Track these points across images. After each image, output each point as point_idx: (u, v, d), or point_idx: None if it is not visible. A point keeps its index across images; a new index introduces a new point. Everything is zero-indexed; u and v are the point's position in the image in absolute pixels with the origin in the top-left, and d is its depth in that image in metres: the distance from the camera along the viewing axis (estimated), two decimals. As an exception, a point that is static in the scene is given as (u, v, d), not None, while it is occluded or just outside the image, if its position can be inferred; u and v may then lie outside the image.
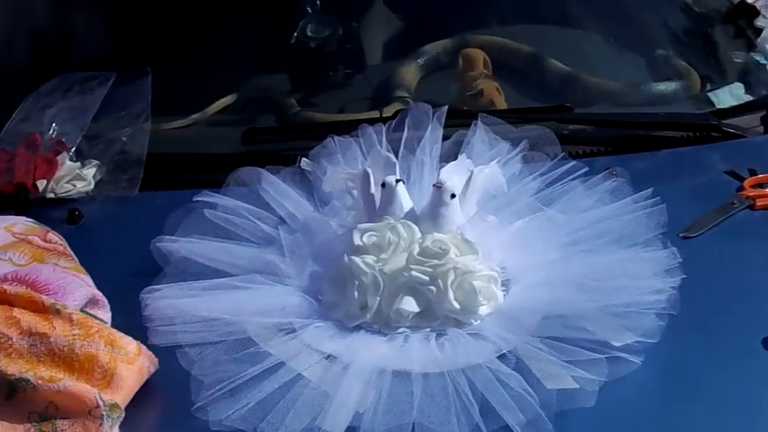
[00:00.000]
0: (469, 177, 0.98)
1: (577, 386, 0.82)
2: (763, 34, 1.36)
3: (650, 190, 1.00)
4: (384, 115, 1.23)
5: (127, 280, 0.96)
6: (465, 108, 1.24)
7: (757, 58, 1.34)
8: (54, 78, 1.26)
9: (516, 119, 1.15)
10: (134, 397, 0.86)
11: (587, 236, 0.96)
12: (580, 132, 1.21)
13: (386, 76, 1.37)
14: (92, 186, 1.17)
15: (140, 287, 0.94)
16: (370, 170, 0.99)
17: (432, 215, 0.95)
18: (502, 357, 0.85)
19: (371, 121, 1.12)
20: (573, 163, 1.05)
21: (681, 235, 1.02)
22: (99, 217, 1.13)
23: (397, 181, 0.97)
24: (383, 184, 0.97)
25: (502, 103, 1.29)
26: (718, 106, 1.28)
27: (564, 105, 1.24)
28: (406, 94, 1.33)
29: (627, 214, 0.98)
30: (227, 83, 1.36)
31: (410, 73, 1.37)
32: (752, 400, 0.84)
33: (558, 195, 1.02)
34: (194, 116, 1.32)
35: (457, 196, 0.96)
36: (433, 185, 0.96)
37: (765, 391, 0.85)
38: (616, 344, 0.86)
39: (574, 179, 1.03)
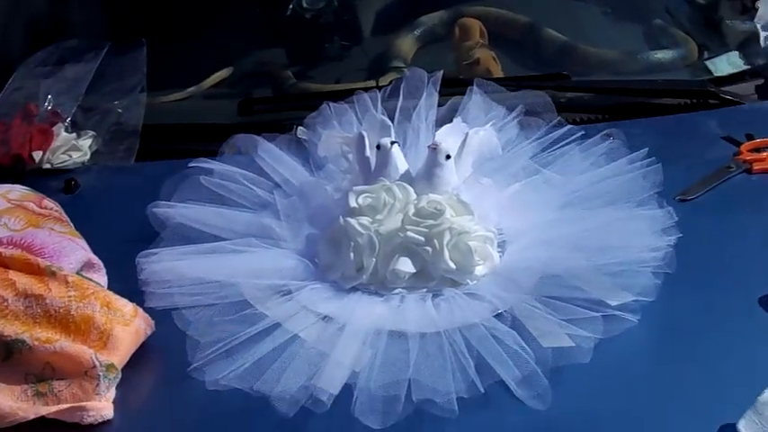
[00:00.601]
0: (464, 139, 0.98)
1: (573, 344, 0.83)
2: (760, 3, 1.35)
3: (645, 150, 1.00)
4: (381, 84, 1.23)
5: (123, 246, 0.96)
6: (461, 77, 1.24)
7: (754, 27, 1.33)
8: (47, 47, 1.27)
9: (513, 86, 1.15)
10: (131, 358, 0.86)
11: (583, 197, 0.97)
12: (577, 100, 1.21)
13: (382, 48, 1.37)
14: (88, 157, 1.17)
15: (137, 252, 0.94)
16: (365, 133, 0.99)
17: (427, 176, 0.95)
18: (498, 317, 0.86)
19: (368, 89, 1.12)
20: (569, 127, 1.06)
21: (678, 198, 1.02)
22: (95, 186, 1.14)
23: (393, 143, 0.97)
24: (378, 147, 0.97)
25: (498, 72, 1.29)
26: (715, 74, 1.28)
27: (561, 73, 1.24)
28: (403, 65, 1.33)
29: (623, 175, 0.98)
30: (222, 56, 1.36)
31: (406, 44, 1.37)
32: (748, 360, 0.84)
33: (555, 158, 1.02)
34: (190, 89, 1.32)
35: (452, 158, 0.96)
36: (428, 147, 0.96)
37: (762, 350, 0.85)
38: (612, 303, 0.86)
39: (570, 143, 1.03)
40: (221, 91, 1.34)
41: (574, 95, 1.22)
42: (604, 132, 1.05)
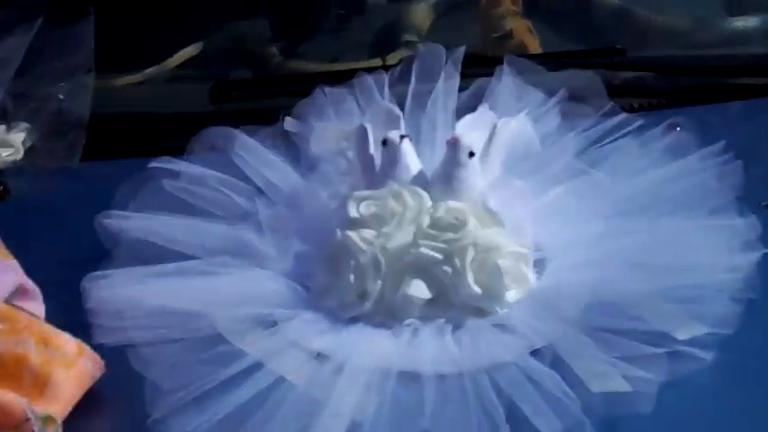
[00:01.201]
0: (492, 132, 0.99)
1: (631, 389, 0.83)
2: None
3: (722, 143, 1.01)
4: (387, 63, 1.26)
5: (65, 267, 0.98)
6: (489, 54, 1.26)
7: None
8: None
9: (554, 64, 1.17)
10: (74, 408, 0.87)
11: (642, 203, 0.98)
12: (635, 81, 1.23)
13: (390, 18, 1.39)
14: (20, 155, 1.19)
15: (82, 275, 0.96)
16: (368, 125, 1.00)
17: (445, 179, 0.96)
18: (535, 354, 0.87)
19: (371, 71, 1.14)
20: (624, 116, 1.07)
21: (764, 204, 1.03)
22: (30, 192, 1.16)
23: (402, 137, 0.98)
24: (384, 142, 0.98)
25: (535, 47, 1.30)
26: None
27: (614, 48, 1.26)
28: (416, 39, 1.35)
29: (692, 175, 0.99)
30: (191, 28, 1.38)
31: (420, 13, 1.39)
32: None
33: (606, 155, 1.03)
34: (150, 70, 1.34)
35: (477, 155, 0.97)
36: (447, 142, 0.97)
37: None
38: (679, 336, 0.87)
39: (625, 135, 1.05)
40: (189, 72, 1.36)
41: (631, 75, 1.24)
42: (669, 122, 1.06)
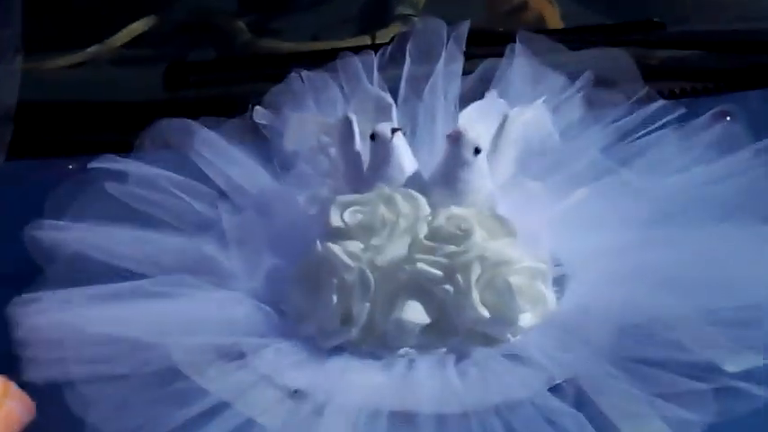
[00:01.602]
0: (502, 124, 0.98)
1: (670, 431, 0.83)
2: None
3: (781, 136, 1.02)
4: (378, 42, 1.25)
5: (-12, 288, 0.97)
6: (499, 29, 1.26)
7: None
8: None
9: (576, 42, 1.16)
10: (1, 458, 0.87)
11: (683, 208, 0.97)
12: (676, 61, 1.23)
13: (380, -12, 1.39)
14: (-67, 152, 1.19)
15: (9, 298, 0.95)
16: (353, 116, 1.00)
17: (446, 180, 0.96)
18: (555, 390, 0.86)
19: (359, 51, 1.13)
20: (662, 103, 1.07)
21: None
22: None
23: (394, 130, 0.98)
24: (373, 137, 0.98)
25: (556, 20, 1.30)
26: None
27: (651, 20, 1.26)
28: (412, 12, 1.35)
29: (743, 174, 0.99)
30: (141, 0, 1.38)
31: (417, -19, 1.39)
32: None
33: (639, 150, 1.03)
34: (92, 49, 1.34)
35: (483, 152, 0.96)
36: (448, 136, 0.97)
37: None
38: (729, 368, 0.86)
39: (663, 126, 1.05)
40: (139, 52, 1.36)
41: (670, 54, 1.24)
42: (717, 110, 1.06)
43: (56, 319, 0.93)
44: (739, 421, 0.84)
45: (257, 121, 1.10)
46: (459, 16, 1.14)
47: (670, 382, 0.85)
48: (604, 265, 0.95)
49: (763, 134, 1.03)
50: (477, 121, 0.99)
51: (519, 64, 1.09)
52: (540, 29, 1.23)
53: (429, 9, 1.37)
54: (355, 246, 0.93)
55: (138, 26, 1.37)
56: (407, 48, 1.11)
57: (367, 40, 1.29)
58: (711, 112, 1.06)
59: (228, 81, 1.26)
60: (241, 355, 0.90)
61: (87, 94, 1.26)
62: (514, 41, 1.11)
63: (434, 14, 1.17)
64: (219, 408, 0.86)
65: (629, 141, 1.04)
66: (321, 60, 1.13)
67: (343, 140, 1.00)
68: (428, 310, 0.92)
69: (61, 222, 1.00)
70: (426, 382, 0.88)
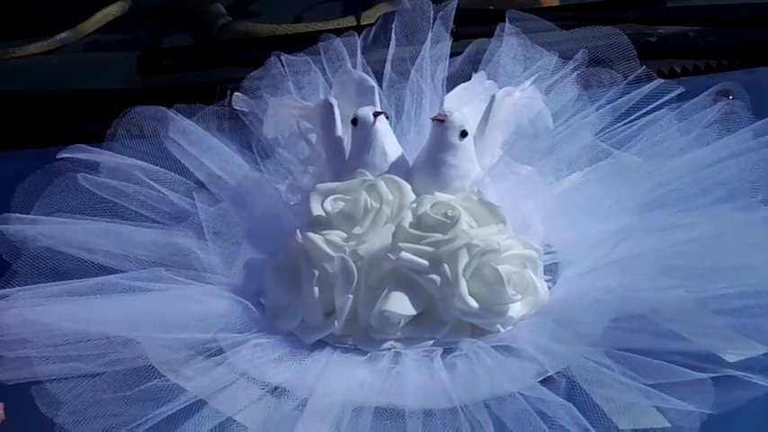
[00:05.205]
0: (490, 105, 0.99)
1: (668, 424, 0.84)
2: None
3: (785, 115, 1.02)
4: (363, 23, 1.26)
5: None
6: (490, 6, 1.27)
7: None
8: None
9: (570, 19, 1.18)
10: (-32, 461, 0.88)
11: (681, 192, 0.98)
12: (674, 38, 1.24)
13: (367, -34, 1.39)
14: None
15: (-26, 295, 0.96)
16: (334, 101, 1.00)
17: (432, 165, 0.97)
18: (546, 382, 0.87)
19: (342, 32, 1.14)
20: (660, 82, 1.08)
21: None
22: None
23: (377, 114, 0.99)
24: (354, 121, 0.99)
25: (551, -1, 1.31)
26: None
27: (650, -6, 1.27)
28: (398, -8, 1.36)
29: (745, 156, 1.00)
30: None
31: (405, -41, 1.39)
32: None
33: (636, 132, 1.04)
34: (63, 35, 1.34)
35: (471, 135, 0.97)
36: (433, 119, 0.97)
37: None
38: (729, 358, 0.87)
39: (661, 106, 1.05)
40: (112, 37, 1.37)
41: (670, 31, 1.25)
42: (718, 89, 1.07)
43: (24, 316, 0.93)
44: (739, 411, 0.85)
45: (235, 107, 1.11)
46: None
47: (667, 372, 0.86)
48: (598, 252, 0.95)
49: (765, 113, 1.04)
50: (464, 103, 1.00)
51: (509, 44, 1.10)
52: (531, 7, 1.23)
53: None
54: (337, 235, 0.94)
55: (111, 10, 1.38)
56: (392, 28, 1.12)
57: (352, 21, 1.29)
58: (712, 90, 1.07)
59: (205, 66, 1.27)
60: (219, 352, 0.91)
61: (57, 82, 1.27)
62: (504, 20, 1.11)
63: (423, -7, 1.17)
64: (195, 406, 0.87)
65: (625, 123, 1.05)
66: (302, 43, 1.14)
67: (324, 125, 1.01)
68: (414, 302, 0.92)
69: (29, 216, 1.01)
70: (412, 376, 0.89)
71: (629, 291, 0.91)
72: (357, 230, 0.94)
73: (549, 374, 0.87)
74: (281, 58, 1.12)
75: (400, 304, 0.92)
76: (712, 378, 0.85)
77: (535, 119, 1.02)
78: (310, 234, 0.94)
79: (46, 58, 1.33)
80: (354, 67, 1.08)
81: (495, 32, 1.11)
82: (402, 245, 0.93)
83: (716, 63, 1.23)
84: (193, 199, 1.03)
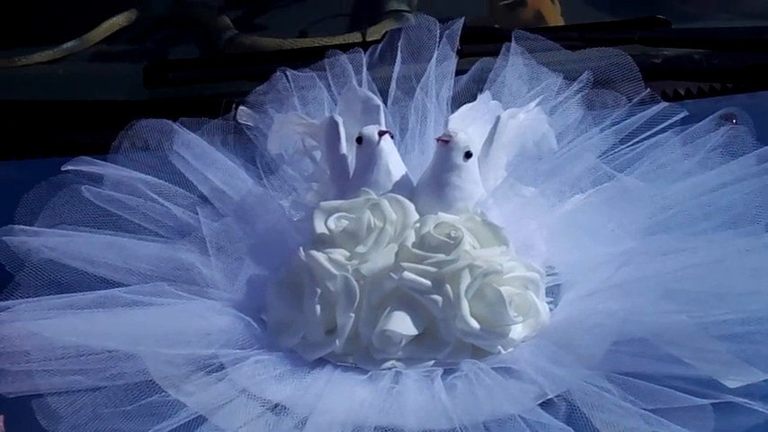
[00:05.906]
0: (495, 126, 0.99)
1: (668, 449, 0.84)
2: None
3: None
4: (368, 39, 1.27)
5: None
6: (496, 26, 1.27)
7: None
8: None
9: (577, 39, 1.18)
10: (-32, 475, 0.88)
11: (685, 216, 0.98)
12: (680, 60, 1.24)
13: (372, -18, 1.40)
14: None
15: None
16: (340, 118, 1.01)
17: (436, 185, 0.97)
18: (546, 405, 0.87)
19: (348, 48, 1.15)
20: (664, 105, 1.08)
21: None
22: None
23: (382, 133, 0.99)
24: (359, 139, 0.99)
25: (556, 17, 1.31)
26: None
27: (656, 17, 1.27)
28: (405, 8, 1.36)
29: (749, 181, 1.00)
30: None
31: (409, -24, 1.40)
32: None
33: (640, 155, 1.04)
34: (68, 45, 1.34)
35: (475, 156, 0.98)
36: (438, 140, 0.98)
37: None
38: (730, 384, 0.88)
39: (665, 129, 1.05)
40: (118, 48, 1.37)
41: (675, 53, 1.25)
42: (722, 112, 1.07)
43: (26, 328, 0.94)
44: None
45: (240, 121, 1.11)
46: (453, 12, 1.15)
47: (667, 398, 0.86)
48: (600, 274, 0.96)
49: (768, 138, 1.04)
50: (468, 124, 1.00)
51: (514, 63, 1.10)
52: (537, 26, 1.24)
53: (422, 5, 1.37)
54: (340, 254, 0.94)
55: (117, 20, 1.38)
56: (399, 46, 1.12)
57: (357, 37, 1.30)
58: (716, 114, 1.07)
59: (210, 79, 1.27)
60: (220, 368, 0.91)
61: (63, 92, 1.27)
62: (509, 40, 1.12)
63: (427, 10, 1.17)
64: (195, 423, 0.87)
65: (629, 145, 1.05)
66: (308, 58, 1.14)
67: (329, 143, 1.02)
68: (415, 322, 0.93)
69: (32, 228, 1.01)
70: (413, 396, 0.89)
71: (630, 314, 0.91)
72: (360, 249, 0.94)
73: (549, 397, 0.87)
74: (287, 73, 1.12)
75: (402, 324, 0.92)
76: (713, 404, 0.86)
77: (540, 141, 1.03)
78: (313, 252, 0.94)
79: (51, 67, 1.34)
80: (360, 85, 1.08)
81: (501, 52, 1.12)
82: (405, 264, 0.93)
83: (720, 86, 1.23)
84: (197, 213, 1.03)
